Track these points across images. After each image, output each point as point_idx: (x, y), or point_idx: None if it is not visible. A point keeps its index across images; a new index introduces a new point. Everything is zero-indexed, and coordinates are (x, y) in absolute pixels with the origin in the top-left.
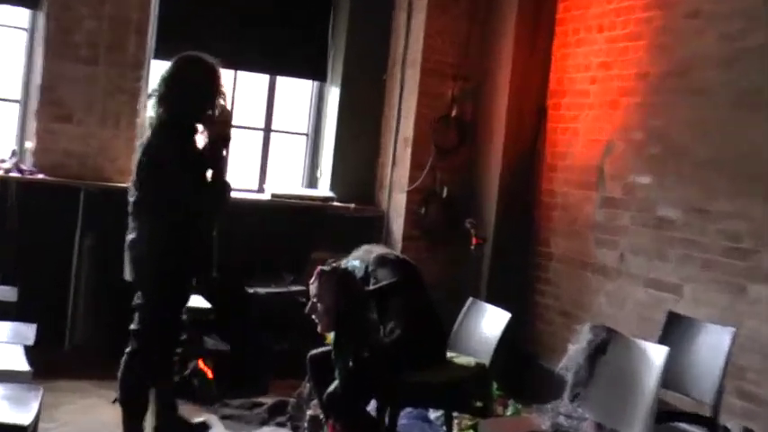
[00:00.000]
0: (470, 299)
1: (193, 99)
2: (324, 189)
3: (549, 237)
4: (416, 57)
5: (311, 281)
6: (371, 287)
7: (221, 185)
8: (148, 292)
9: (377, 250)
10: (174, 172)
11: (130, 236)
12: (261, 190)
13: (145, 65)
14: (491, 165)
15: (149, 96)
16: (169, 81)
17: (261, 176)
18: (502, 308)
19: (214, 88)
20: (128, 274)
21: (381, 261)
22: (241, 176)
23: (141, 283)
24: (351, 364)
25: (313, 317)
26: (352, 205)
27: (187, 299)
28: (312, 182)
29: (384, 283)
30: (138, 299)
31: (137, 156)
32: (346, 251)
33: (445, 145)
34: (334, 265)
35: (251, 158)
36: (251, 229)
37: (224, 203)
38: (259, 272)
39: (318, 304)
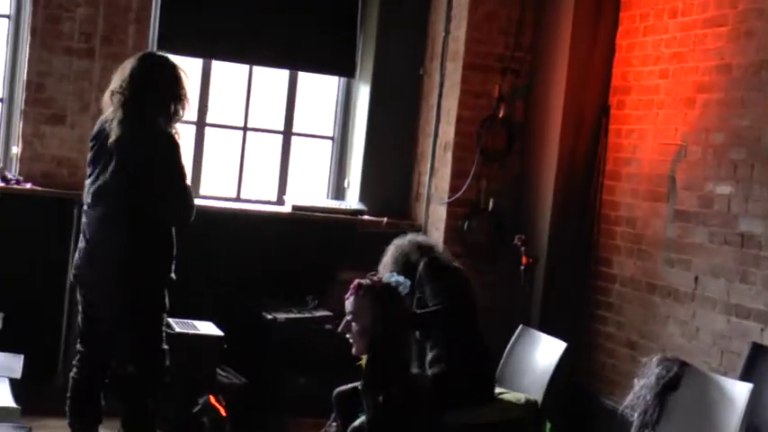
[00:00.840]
0: (520, 326)
1: (167, 101)
2: (352, 201)
3: (611, 256)
4: (458, 48)
5: (347, 295)
6: (417, 311)
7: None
8: (144, 306)
9: (423, 244)
10: (176, 174)
11: (109, 244)
12: (280, 202)
13: None
14: (544, 173)
15: (113, 93)
16: (146, 80)
17: (280, 186)
18: (556, 337)
19: (185, 92)
20: (96, 287)
21: (433, 272)
22: (258, 186)
23: (129, 298)
24: (381, 398)
25: (347, 336)
26: (385, 219)
27: None
28: (339, 193)
29: (431, 309)
30: (112, 313)
31: (125, 149)
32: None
33: (491, 150)
34: (374, 278)
35: (269, 166)
36: (269, 247)
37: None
38: (278, 295)
39: (353, 323)
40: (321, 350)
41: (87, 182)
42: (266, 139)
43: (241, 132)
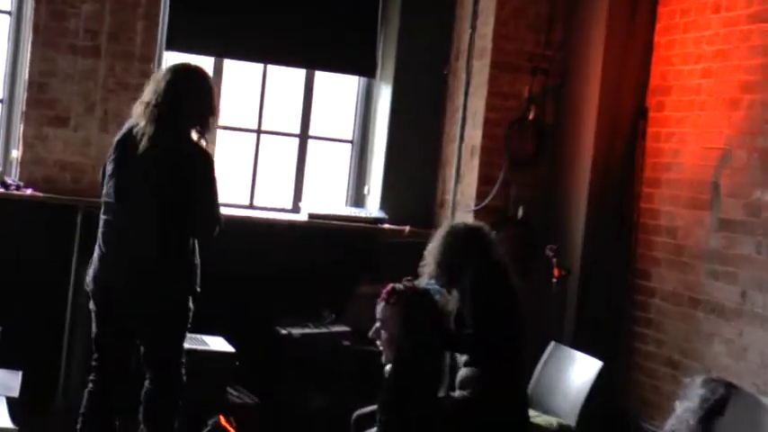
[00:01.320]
0: (552, 344)
1: (200, 114)
2: (372, 208)
3: (649, 268)
4: (485, 46)
5: (379, 299)
6: (450, 329)
7: None
8: (180, 316)
9: (477, 239)
10: (209, 188)
11: (136, 255)
12: (296, 209)
13: (155, 57)
14: (577, 179)
15: (148, 105)
16: (180, 93)
17: (296, 193)
18: (591, 355)
19: (216, 103)
20: (120, 298)
21: (477, 289)
22: (273, 193)
23: (155, 309)
24: (395, 418)
25: (377, 342)
26: (407, 228)
27: None
28: (358, 200)
29: (466, 332)
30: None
31: (158, 160)
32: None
33: (521, 155)
34: (408, 284)
35: (284, 171)
36: (284, 257)
37: None
38: (293, 309)
39: (382, 330)
40: (338, 368)
41: (108, 189)
42: (281, 143)
43: (255, 135)
